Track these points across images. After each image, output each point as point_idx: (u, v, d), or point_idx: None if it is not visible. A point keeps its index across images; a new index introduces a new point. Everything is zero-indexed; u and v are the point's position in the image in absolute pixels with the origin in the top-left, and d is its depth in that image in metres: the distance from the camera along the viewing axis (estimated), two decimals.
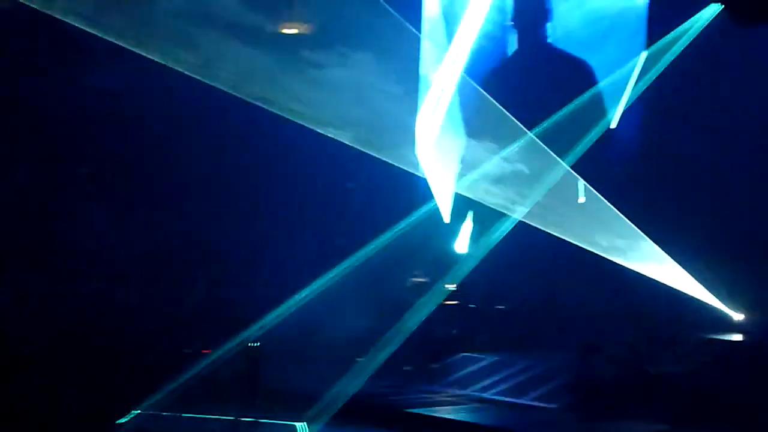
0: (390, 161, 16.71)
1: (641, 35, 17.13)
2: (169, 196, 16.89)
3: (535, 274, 17.67)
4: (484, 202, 17.21)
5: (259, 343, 14.16)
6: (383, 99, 16.36)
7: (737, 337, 16.52)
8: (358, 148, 16.31)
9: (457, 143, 17.53)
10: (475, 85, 17.28)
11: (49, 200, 15.70)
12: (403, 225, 17.07)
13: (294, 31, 17.97)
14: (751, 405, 13.47)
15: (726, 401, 13.77)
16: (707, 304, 17.01)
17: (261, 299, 15.75)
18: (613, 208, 16.81)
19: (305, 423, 13.66)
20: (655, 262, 17.34)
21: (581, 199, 16.77)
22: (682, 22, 16.36)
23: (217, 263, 16.79)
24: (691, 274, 17.06)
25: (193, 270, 16.82)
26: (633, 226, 16.80)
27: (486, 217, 17.25)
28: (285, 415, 13.94)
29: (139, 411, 13.72)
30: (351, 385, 15.11)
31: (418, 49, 18.76)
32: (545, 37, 18.51)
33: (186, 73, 14.69)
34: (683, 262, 16.90)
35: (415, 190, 17.45)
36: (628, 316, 17.04)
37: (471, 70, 17.44)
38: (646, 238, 16.81)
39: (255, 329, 15.12)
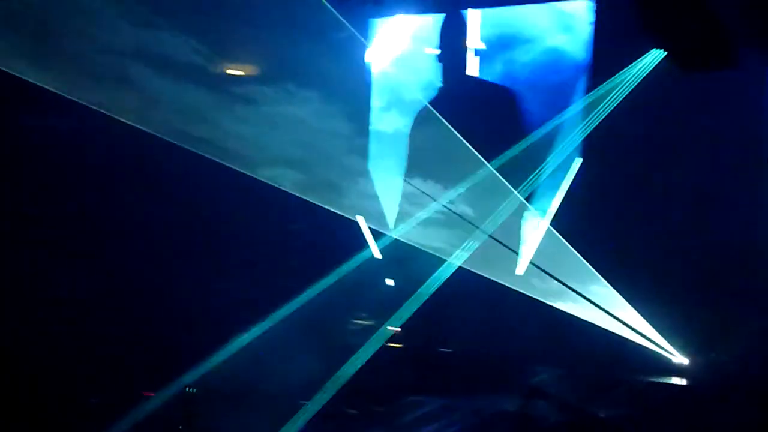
0: (332, 206, 17.15)
1: (586, 78, 17.77)
2: (106, 235, 17.10)
3: (479, 316, 17.91)
4: (427, 247, 17.59)
5: (195, 390, 14.39)
6: (328, 144, 16.87)
7: (683, 381, 16.96)
8: (302, 193, 16.84)
9: (400, 185, 18.11)
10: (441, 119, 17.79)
11: None
12: (346, 268, 17.37)
13: (234, 70, 18.33)
14: None
15: None
16: (656, 345, 17.43)
17: (202, 342, 15.91)
18: (569, 246, 17.16)
19: None
20: (605, 303, 17.74)
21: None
22: (626, 66, 17.01)
23: (156, 305, 16.90)
24: (642, 315, 17.53)
25: (133, 311, 16.92)
26: (585, 263, 17.15)
27: (430, 260, 17.61)
28: None
29: None
30: (294, 429, 15.27)
31: (368, 91, 19.32)
32: (494, 76, 19.05)
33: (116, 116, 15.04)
34: (634, 302, 17.39)
35: (359, 235, 17.89)
36: (575, 359, 17.49)
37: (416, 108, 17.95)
38: (597, 276, 17.17)
39: (194, 373, 15.31)
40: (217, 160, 15.98)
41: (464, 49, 18.95)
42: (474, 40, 19.03)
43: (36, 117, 16.08)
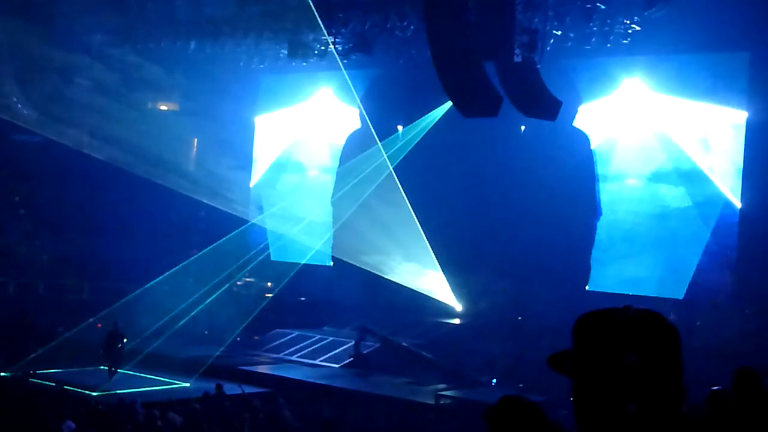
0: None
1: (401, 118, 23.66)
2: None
3: (327, 279, 23.91)
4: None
5: (116, 322, 19.10)
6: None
7: (456, 320, 23.11)
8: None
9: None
10: None
11: None
12: (239, 243, 22.91)
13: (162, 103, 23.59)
14: (460, 367, 19.76)
15: (446, 363, 19.95)
16: (445, 297, 23.07)
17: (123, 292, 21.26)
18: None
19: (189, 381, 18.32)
20: (422, 272, 23.29)
21: None
22: (429, 112, 23.02)
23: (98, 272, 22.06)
24: (446, 280, 23.01)
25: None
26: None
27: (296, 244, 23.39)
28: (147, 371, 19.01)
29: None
30: (199, 350, 20.39)
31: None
32: None
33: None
34: (444, 271, 22.84)
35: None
36: (391, 308, 22.97)
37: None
38: (422, 255, 22.99)
39: (113, 310, 20.22)
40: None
41: None
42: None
43: None
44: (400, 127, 23.15)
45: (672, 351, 2.22)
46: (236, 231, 24.41)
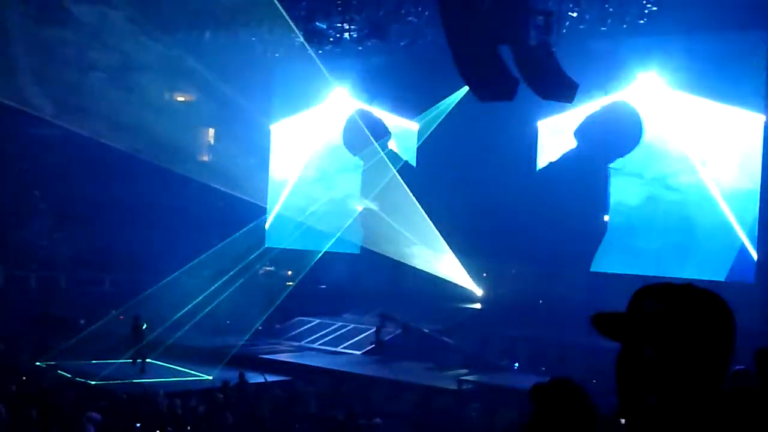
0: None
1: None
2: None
3: (348, 268, 23.93)
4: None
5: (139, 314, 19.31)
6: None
7: (477, 305, 23.19)
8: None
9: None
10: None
11: None
12: (259, 233, 22.95)
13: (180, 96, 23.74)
14: (482, 351, 19.98)
15: (468, 348, 20.13)
16: (464, 283, 23.18)
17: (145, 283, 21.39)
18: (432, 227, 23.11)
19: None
20: (440, 259, 23.28)
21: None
22: (447, 96, 22.99)
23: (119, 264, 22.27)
24: (462, 265, 23.16)
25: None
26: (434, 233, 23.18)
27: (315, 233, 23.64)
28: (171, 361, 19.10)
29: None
30: (221, 340, 20.48)
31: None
32: None
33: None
34: (460, 257, 22.94)
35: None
36: (412, 294, 22.93)
37: None
38: (440, 242, 23.04)
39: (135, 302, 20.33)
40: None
41: None
42: None
43: None
44: None
45: (707, 342, 1.94)
46: (256, 221, 24.71)
